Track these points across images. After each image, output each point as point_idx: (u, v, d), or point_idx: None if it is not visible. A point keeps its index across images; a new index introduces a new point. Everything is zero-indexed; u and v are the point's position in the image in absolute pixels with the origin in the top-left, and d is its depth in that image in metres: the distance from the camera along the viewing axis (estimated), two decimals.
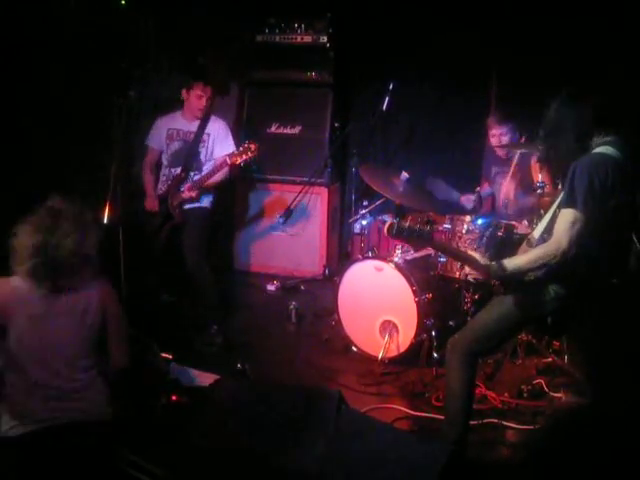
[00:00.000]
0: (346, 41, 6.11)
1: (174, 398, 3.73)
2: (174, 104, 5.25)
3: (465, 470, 3.21)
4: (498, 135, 4.90)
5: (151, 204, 5.08)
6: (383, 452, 2.63)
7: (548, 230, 3.18)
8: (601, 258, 3.11)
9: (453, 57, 5.48)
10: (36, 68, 4.83)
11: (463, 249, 3.90)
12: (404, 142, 6.10)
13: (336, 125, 6.20)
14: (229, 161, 4.87)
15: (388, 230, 2.95)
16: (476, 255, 3.18)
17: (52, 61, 4.91)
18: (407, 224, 2.94)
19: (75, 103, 5.03)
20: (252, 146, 4.85)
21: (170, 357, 4.12)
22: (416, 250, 4.74)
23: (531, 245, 3.25)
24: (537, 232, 3.27)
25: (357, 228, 5.74)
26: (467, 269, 3.44)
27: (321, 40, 6.05)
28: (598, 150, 3.07)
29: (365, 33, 5.97)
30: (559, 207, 3.05)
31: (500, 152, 5.00)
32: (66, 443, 2.67)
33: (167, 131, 5.14)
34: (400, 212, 5.28)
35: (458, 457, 3.08)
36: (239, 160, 4.86)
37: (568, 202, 2.97)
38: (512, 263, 3.07)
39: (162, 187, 5.13)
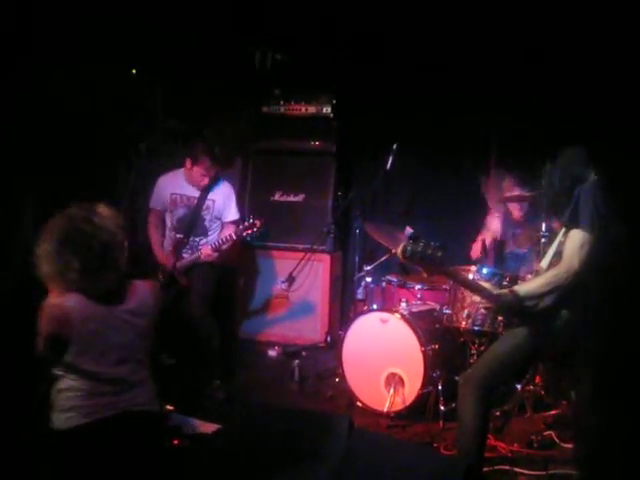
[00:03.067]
0: (348, 110, 6.27)
1: (176, 442, 3.67)
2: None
3: None
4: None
5: (164, 260, 5.10)
6: (403, 465, 2.56)
7: (555, 260, 3.22)
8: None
9: (453, 124, 5.63)
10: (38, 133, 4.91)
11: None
12: (406, 208, 6.17)
13: (339, 193, 6.27)
14: (234, 236, 4.95)
15: (402, 253, 3.01)
16: (487, 285, 3.22)
17: (60, 123, 5.00)
18: (420, 248, 2.98)
19: (84, 166, 5.11)
20: (257, 222, 4.91)
21: (172, 408, 4.06)
22: (428, 275, 4.74)
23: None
24: (545, 263, 3.30)
25: (360, 294, 5.70)
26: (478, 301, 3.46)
27: (325, 111, 6.23)
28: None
29: (367, 102, 6.12)
30: (567, 228, 3.11)
31: (516, 215, 5.09)
32: (126, 430, 2.71)
33: (171, 195, 5.14)
34: (404, 269, 5.33)
35: (476, 469, 3.03)
36: (244, 234, 4.95)
37: (575, 223, 3.03)
38: (524, 288, 3.11)
39: (168, 247, 5.17)
